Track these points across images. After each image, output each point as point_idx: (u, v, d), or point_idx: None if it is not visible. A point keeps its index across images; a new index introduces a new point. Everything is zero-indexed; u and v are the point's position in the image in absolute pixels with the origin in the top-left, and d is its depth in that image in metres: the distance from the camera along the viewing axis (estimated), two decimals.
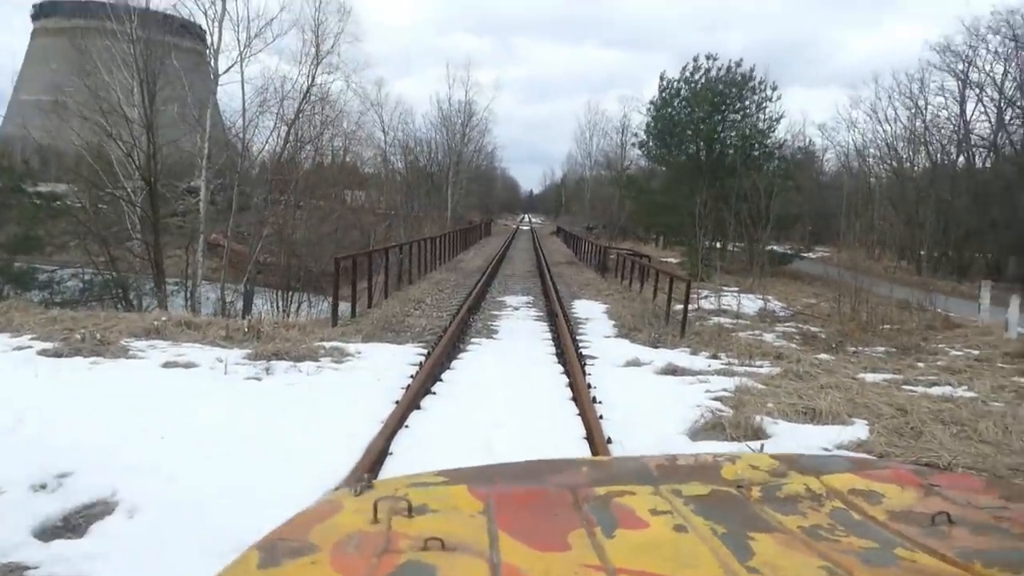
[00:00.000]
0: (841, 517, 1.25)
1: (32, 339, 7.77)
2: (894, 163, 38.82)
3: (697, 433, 5.63)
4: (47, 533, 3.61)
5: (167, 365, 6.96)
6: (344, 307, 11.80)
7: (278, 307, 19.82)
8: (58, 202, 19.79)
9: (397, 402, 5.98)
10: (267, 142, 22.80)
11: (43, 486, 4.08)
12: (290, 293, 20.37)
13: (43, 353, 7.14)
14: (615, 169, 52.05)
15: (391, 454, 4.82)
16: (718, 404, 6.38)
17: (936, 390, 7.71)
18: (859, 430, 5.83)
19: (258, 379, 6.71)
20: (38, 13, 67.31)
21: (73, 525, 3.70)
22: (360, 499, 1.26)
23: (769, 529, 1.20)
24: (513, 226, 75.14)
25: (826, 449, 5.32)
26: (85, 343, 7.40)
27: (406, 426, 5.45)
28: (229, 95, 64.61)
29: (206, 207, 19.75)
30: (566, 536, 1.16)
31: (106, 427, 4.99)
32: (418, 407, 6.03)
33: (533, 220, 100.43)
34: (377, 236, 29.83)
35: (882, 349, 10.87)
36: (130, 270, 19.94)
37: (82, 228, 19.22)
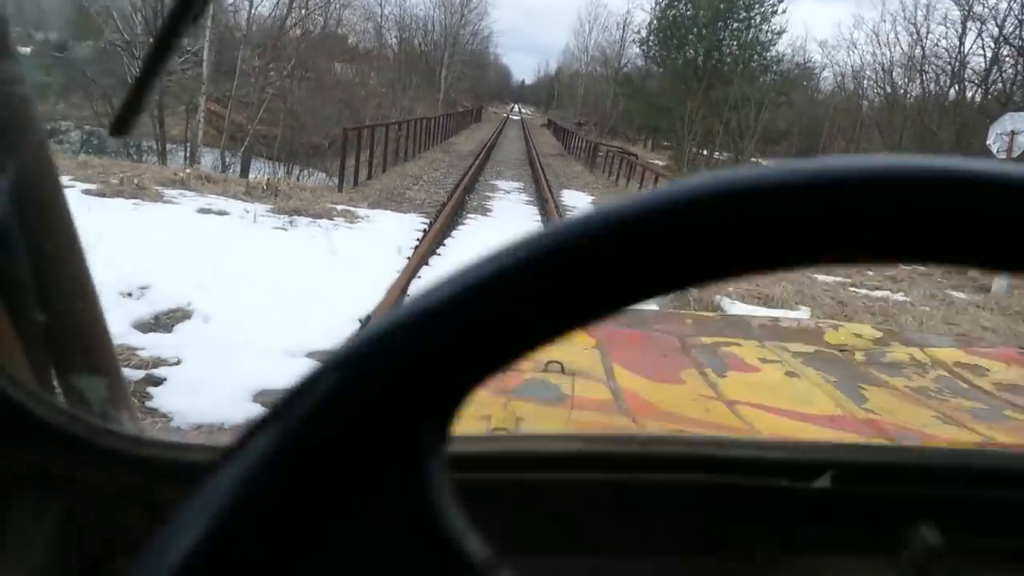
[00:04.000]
0: (947, 383, 1.24)
1: (71, 180, 8.48)
2: (888, 88, 39.23)
3: (666, 303, 6.62)
4: (143, 327, 4.52)
5: (202, 211, 7.77)
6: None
7: (276, 176, 20.42)
8: (62, 53, 19.91)
9: (408, 258, 6.89)
10: (277, 4, 22.74)
11: (129, 294, 4.96)
12: (289, 164, 20.96)
13: (87, 193, 7.89)
14: (612, 66, 51.78)
15: (409, 295, 5.76)
16: None
17: (877, 292, 8.76)
18: (802, 313, 6.86)
19: (284, 229, 7.56)
20: None
21: (163, 323, 4.61)
22: None
23: (879, 384, 1.22)
24: (503, 115, 74.61)
25: None
26: (124, 186, 8.15)
27: (418, 276, 6.38)
28: None
29: (209, 67, 19.98)
30: (678, 373, 1.19)
31: (166, 255, 5.85)
32: (426, 263, 6.95)
33: (524, 111, 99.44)
34: (367, 114, 30.06)
35: None
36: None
37: (86, 79, 19.48)
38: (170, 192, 8.60)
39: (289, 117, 21.72)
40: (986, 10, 34.11)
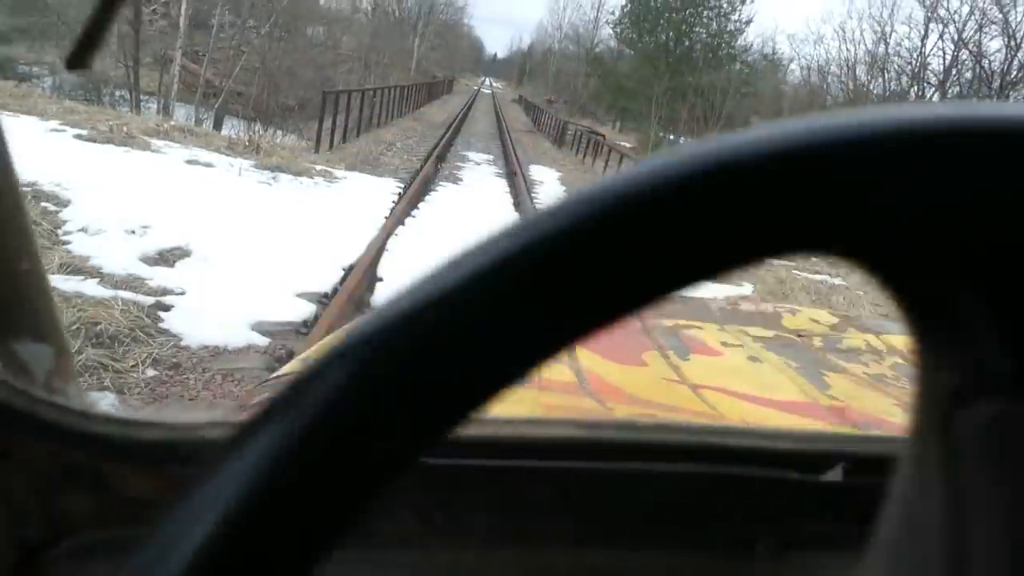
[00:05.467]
0: (903, 370, 1.22)
1: (61, 125, 8.77)
2: (851, 84, 40.29)
3: None
4: (149, 261, 4.96)
5: (189, 162, 8.14)
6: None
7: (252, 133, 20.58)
8: None
9: (387, 217, 7.38)
10: None
11: (132, 232, 5.40)
12: (266, 123, 21.13)
13: (78, 138, 8.21)
14: (584, 46, 52.19)
15: (387, 250, 6.27)
16: None
17: (817, 276, 9.48)
18: (746, 289, 7.53)
19: (269, 184, 7.98)
20: None
21: (166, 259, 5.07)
22: None
23: (838, 370, 1.20)
24: (474, 87, 74.48)
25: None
26: (114, 134, 8.47)
27: (395, 235, 6.88)
28: None
29: (185, 19, 20.01)
30: (640, 355, 1.15)
31: (161, 199, 6.27)
32: (402, 223, 7.45)
33: (495, 84, 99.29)
34: (338, 78, 30.11)
35: None
36: (102, 77, 20.29)
37: (59, 23, 19.37)
38: (156, 142, 8.94)
39: (264, 76, 21.86)
40: (948, 13, 35.29)
